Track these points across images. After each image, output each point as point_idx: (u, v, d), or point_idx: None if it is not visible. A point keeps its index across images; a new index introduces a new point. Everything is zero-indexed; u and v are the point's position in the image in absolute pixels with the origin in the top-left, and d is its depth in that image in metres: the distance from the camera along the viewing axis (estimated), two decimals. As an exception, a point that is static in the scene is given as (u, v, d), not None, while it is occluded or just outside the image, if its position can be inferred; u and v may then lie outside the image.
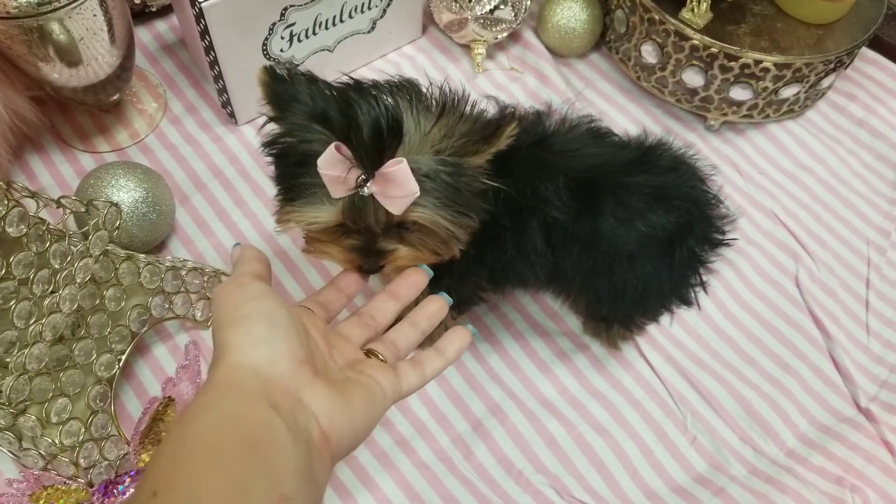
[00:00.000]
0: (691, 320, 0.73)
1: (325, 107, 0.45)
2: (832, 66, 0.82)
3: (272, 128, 0.47)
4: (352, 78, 0.48)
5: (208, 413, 0.35)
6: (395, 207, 0.44)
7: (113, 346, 0.62)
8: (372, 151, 0.43)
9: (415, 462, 0.63)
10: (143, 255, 0.64)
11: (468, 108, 0.47)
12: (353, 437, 0.39)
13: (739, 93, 0.83)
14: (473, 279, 0.59)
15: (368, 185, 0.43)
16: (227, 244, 0.74)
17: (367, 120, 0.43)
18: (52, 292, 0.59)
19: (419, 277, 0.50)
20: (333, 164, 0.43)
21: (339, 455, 0.38)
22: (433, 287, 0.58)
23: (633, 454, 0.65)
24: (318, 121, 0.44)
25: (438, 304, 0.50)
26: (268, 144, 0.47)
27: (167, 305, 0.65)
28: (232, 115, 0.80)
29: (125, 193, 0.66)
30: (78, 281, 0.58)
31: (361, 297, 0.72)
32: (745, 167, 0.86)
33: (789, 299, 0.76)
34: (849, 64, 0.86)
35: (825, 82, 0.86)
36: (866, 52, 0.94)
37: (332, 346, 0.44)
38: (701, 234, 0.58)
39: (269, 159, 0.48)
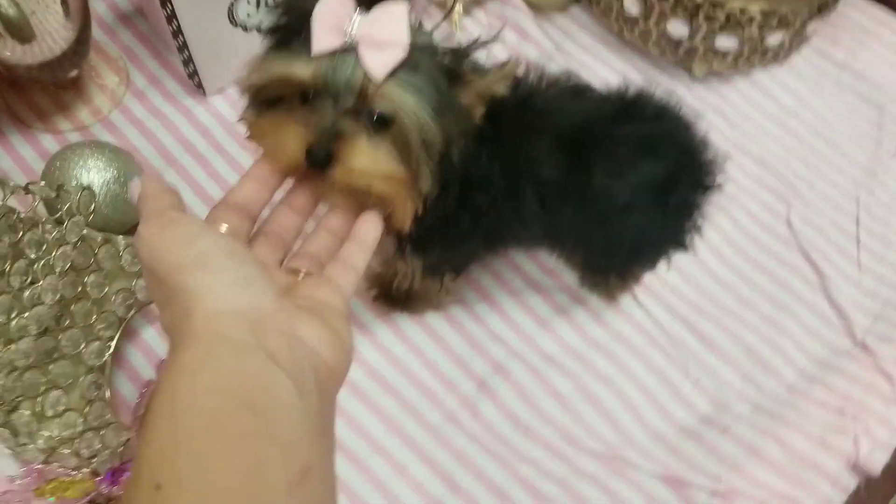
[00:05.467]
0: (687, 268, 0.78)
1: None
2: (817, 11, 0.87)
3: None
4: None
5: (199, 376, 0.31)
6: (379, 65, 0.44)
7: (100, 333, 0.64)
8: None
9: (423, 425, 0.67)
10: (121, 238, 0.67)
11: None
12: (348, 359, 0.38)
13: (725, 42, 0.87)
14: (468, 247, 0.63)
15: (359, 22, 0.43)
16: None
17: None
18: (31, 283, 0.61)
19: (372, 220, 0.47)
20: (333, 2, 0.44)
21: (340, 385, 0.38)
22: (424, 257, 0.61)
23: (639, 401, 0.70)
24: None
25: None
26: (277, 16, 0.48)
27: (153, 286, 0.67)
28: (199, 85, 0.82)
29: (95, 174, 0.68)
30: (58, 270, 0.60)
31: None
32: (731, 114, 0.91)
33: (782, 241, 0.82)
34: (832, 8, 0.91)
35: (809, 28, 0.90)
36: (848, -5, 1.00)
37: None
38: (691, 179, 0.63)
39: (267, 36, 0.48)
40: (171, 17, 0.73)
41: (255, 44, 0.80)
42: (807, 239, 0.82)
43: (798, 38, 0.92)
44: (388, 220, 0.49)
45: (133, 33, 0.87)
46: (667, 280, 0.77)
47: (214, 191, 0.78)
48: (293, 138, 0.45)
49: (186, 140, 0.81)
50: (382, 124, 0.46)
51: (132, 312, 0.66)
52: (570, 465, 0.66)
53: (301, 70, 0.45)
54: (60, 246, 0.62)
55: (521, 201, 0.57)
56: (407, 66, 0.45)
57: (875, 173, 0.89)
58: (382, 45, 0.44)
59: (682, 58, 0.91)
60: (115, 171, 0.69)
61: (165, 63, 0.85)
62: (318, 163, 0.44)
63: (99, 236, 0.66)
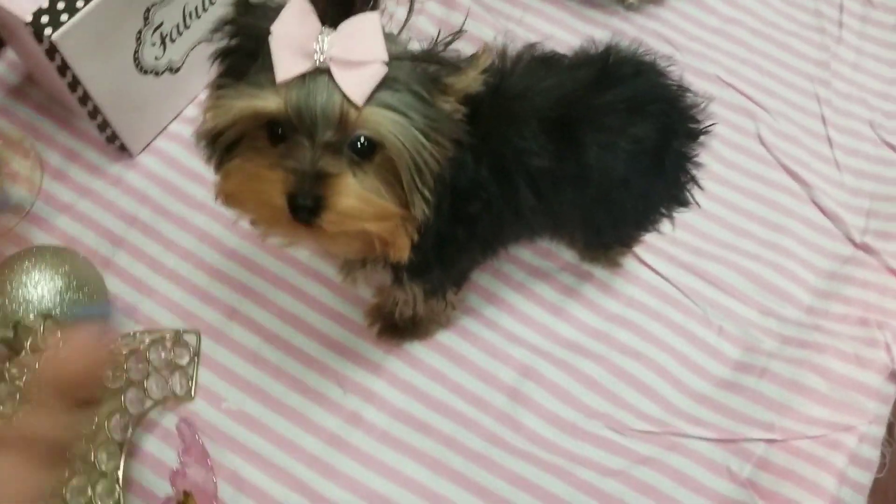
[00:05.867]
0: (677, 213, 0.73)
1: None
2: None
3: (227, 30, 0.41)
4: None
5: None
6: (357, 87, 0.37)
7: (104, 467, 0.54)
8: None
9: (467, 456, 0.60)
10: (93, 348, 0.57)
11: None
12: None
13: (654, -38, 0.81)
14: (466, 258, 0.56)
15: (328, 41, 0.37)
16: (175, 297, 0.66)
17: None
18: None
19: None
20: (293, 20, 0.37)
21: None
22: (421, 279, 0.54)
23: (671, 366, 0.65)
24: None
25: None
26: (223, 39, 0.41)
27: (143, 395, 0.58)
28: (123, 147, 0.71)
29: (44, 287, 0.57)
30: (41, 418, 0.51)
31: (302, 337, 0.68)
32: (676, 38, 0.85)
33: (759, 160, 0.77)
34: None
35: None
36: None
37: None
38: (682, 131, 0.57)
39: (215, 65, 0.41)
40: (75, 83, 0.61)
41: (170, 86, 0.71)
42: (782, 150, 0.77)
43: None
44: (384, 255, 0.44)
45: (31, 107, 0.73)
46: (662, 232, 0.72)
47: (174, 261, 0.67)
48: (271, 188, 0.38)
49: (127, 213, 0.69)
50: (367, 153, 0.39)
51: (130, 432, 0.56)
52: (625, 454, 0.60)
53: (269, 103, 0.38)
54: (37, 392, 0.52)
55: (516, 198, 0.50)
56: (387, 83, 0.38)
57: (827, 64, 0.84)
58: (358, 63, 0.37)
59: (614, -12, 0.85)
60: (66, 277, 0.58)
61: (78, 132, 0.72)
62: (304, 213, 0.38)
63: (68, 358, 0.56)
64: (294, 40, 0.37)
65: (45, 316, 0.54)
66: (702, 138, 0.59)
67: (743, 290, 0.70)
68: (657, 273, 0.70)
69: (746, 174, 0.76)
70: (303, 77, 0.37)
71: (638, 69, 0.55)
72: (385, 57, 0.38)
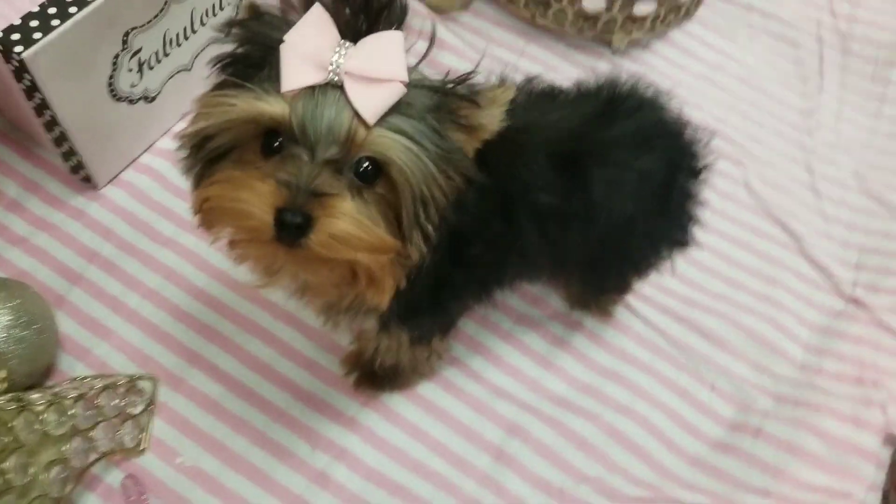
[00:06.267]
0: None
1: None
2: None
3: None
4: None
5: None
6: (371, 106, 0.34)
7: None
8: (366, 10, 0.35)
9: (446, 522, 0.56)
10: (37, 395, 0.51)
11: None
12: None
13: (642, 7, 0.79)
14: (460, 303, 0.52)
15: (347, 55, 0.34)
16: (133, 339, 0.61)
17: None
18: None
19: None
20: (310, 29, 0.34)
21: None
22: (409, 325, 0.51)
23: (664, 424, 0.61)
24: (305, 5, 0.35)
25: None
26: (229, 43, 0.38)
27: (88, 446, 0.52)
28: (88, 179, 0.66)
29: (-11, 324, 0.52)
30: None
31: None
32: (662, 82, 0.82)
33: (749, 209, 0.75)
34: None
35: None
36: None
37: None
38: (686, 166, 0.55)
39: (217, 71, 0.38)
40: (42, 107, 0.57)
41: (144, 115, 0.67)
42: (770, 200, 0.75)
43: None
44: (363, 297, 0.41)
45: (-16, 133, 0.69)
46: (653, 280, 0.69)
47: (135, 300, 0.62)
48: (259, 200, 0.35)
49: (87, 248, 0.64)
50: (370, 178, 0.36)
51: (70, 487, 0.50)
52: (616, 521, 0.57)
53: (274, 107, 0.35)
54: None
55: (521, 238, 0.47)
56: (402, 108, 0.35)
57: (811, 113, 0.83)
58: (375, 81, 0.34)
59: (601, 32, 0.82)
60: (14, 312, 0.53)
61: (39, 161, 0.67)
62: (291, 230, 0.34)
63: (12, 404, 0.50)
64: (308, 50, 0.35)
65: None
66: (703, 175, 0.57)
67: (735, 344, 0.67)
68: (648, 323, 0.67)
69: (736, 223, 0.74)
70: (311, 89, 0.34)
71: (641, 103, 0.53)
72: (405, 78, 0.35)
